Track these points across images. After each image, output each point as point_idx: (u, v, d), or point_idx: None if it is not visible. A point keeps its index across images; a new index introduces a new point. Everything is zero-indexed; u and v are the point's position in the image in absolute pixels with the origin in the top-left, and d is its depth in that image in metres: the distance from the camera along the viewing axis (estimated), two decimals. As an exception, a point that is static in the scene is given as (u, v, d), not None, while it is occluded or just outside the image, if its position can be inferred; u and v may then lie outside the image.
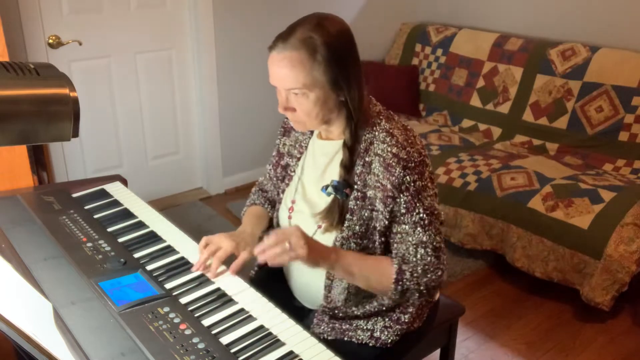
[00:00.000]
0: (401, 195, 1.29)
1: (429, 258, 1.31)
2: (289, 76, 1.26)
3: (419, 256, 1.31)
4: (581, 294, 2.45)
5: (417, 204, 1.29)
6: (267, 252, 1.21)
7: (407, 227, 1.31)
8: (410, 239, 1.31)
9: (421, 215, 1.30)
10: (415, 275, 1.30)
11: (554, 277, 2.56)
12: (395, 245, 1.34)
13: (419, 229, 1.30)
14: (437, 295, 1.59)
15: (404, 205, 1.29)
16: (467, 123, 3.59)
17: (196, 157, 3.66)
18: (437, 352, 1.75)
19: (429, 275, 1.31)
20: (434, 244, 1.31)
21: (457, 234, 2.89)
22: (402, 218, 1.31)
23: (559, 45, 3.28)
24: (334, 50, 1.26)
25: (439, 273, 1.32)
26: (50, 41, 2.88)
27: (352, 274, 1.32)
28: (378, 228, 1.34)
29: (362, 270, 1.32)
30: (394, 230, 1.33)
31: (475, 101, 3.57)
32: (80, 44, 2.95)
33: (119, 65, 3.15)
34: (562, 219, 2.52)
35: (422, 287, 1.32)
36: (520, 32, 3.60)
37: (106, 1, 3.00)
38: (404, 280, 1.30)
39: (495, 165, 2.90)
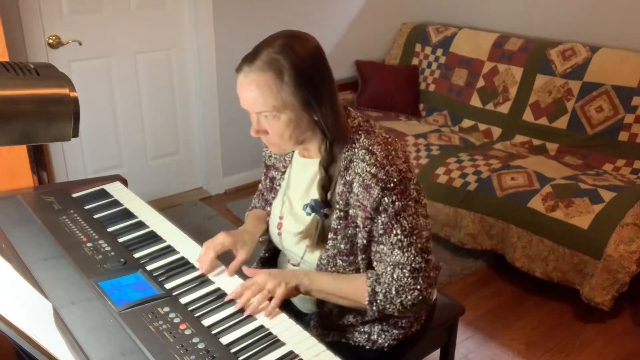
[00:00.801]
0: (379, 217, 1.27)
1: (405, 279, 1.28)
2: (257, 100, 1.23)
3: (395, 276, 1.29)
4: (581, 294, 2.45)
5: (395, 225, 1.26)
6: (250, 307, 1.24)
7: (385, 247, 1.29)
8: (387, 259, 1.29)
9: (399, 237, 1.27)
10: (389, 296, 1.29)
11: (554, 277, 2.56)
12: (375, 263, 1.33)
13: (396, 250, 1.28)
14: (434, 296, 1.59)
15: (382, 227, 1.27)
16: (467, 123, 3.59)
17: (196, 157, 3.66)
18: (437, 352, 1.75)
19: (403, 296, 1.29)
20: (413, 265, 1.28)
21: (457, 234, 2.89)
22: (380, 239, 1.29)
23: (559, 45, 3.28)
24: (302, 71, 1.22)
25: (415, 293, 1.29)
26: (50, 41, 2.88)
27: (328, 296, 1.34)
28: (358, 245, 1.33)
29: (337, 292, 1.33)
30: (373, 250, 1.32)
31: (475, 101, 3.57)
32: (80, 44, 2.95)
33: (119, 65, 3.15)
34: (562, 219, 2.52)
35: (398, 307, 1.30)
36: (520, 32, 3.60)
37: (106, 1, 3.00)
38: (378, 300, 1.30)
39: (495, 165, 2.90)
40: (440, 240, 3.00)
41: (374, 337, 1.42)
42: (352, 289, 1.33)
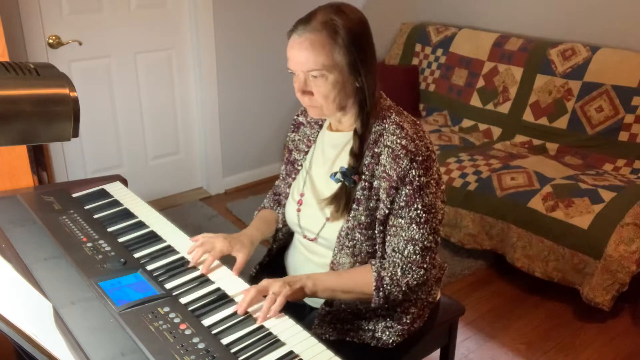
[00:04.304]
0: (403, 188, 1.30)
1: (414, 256, 1.32)
2: (309, 57, 1.28)
3: (406, 253, 1.32)
4: (581, 294, 2.45)
5: (417, 200, 1.30)
6: (260, 316, 1.21)
7: (402, 221, 1.32)
8: (403, 233, 1.32)
9: (418, 211, 1.30)
10: (395, 278, 1.31)
11: (554, 277, 2.56)
12: (388, 237, 1.35)
13: (413, 225, 1.31)
14: (438, 295, 1.59)
15: (404, 199, 1.30)
16: (467, 123, 3.59)
17: (196, 157, 3.66)
18: (437, 352, 1.75)
19: (409, 275, 1.32)
20: (425, 242, 1.32)
21: (457, 234, 2.89)
22: (400, 212, 1.32)
23: (559, 45, 3.28)
24: (354, 35, 1.29)
25: (421, 272, 1.33)
26: (50, 41, 2.88)
27: (334, 293, 1.34)
28: (378, 217, 1.35)
29: (342, 287, 1.34)
30: (390, 223, 1.34)
31: (475, 101, 3.57)
32: (80, 44, 2.95)
33: (119, 65, 3.15)
34: (562, 218, 2.52)
35: (404, 288, 1.32)
36: (520, 32, 3.60)
37: (106, 1, 3.00)
38: (384, 285, 1.31)
39: (495, 165, 2.90)
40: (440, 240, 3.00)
41: (378, 334, 1.42)
42: (357, 279, 1.34)
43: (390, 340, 1.42)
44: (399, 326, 1.42)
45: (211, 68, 3.39)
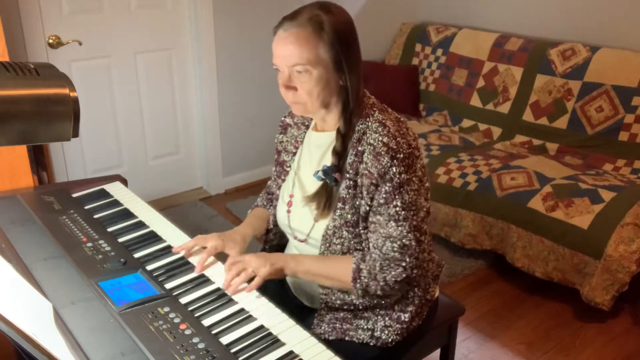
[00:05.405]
0: (383, 186, 1.30)
1: (392, 253, 1.31)
2: (293, 52, 1.28)
3: (384, 250, 1.32)
4: (581, 294, 2.45)
5: (396, 197, 1.30)
6: (231, 288, 1.30)
7: (381, 218, 1.32)
8: (381, 230, 1.32)
9: (397, 209, 1.30)
10: (373, 272, 1.32)
11: (554, 277, 2.56)
12: (369, 234, 1.36)
13: (392, 222, 1.31)
14: (437, 293, 1.59)
15: (383, 196, 1.31)
16: (467, 123, 3.59)
17: (196, 157, 3.66)
18: (437, 352, 1.75)
19: (387, 272, 1.32)
20: (403, 240, 1.31)
21: (457, 234, 2.89)
22: (379, 209, 1.32)
23: (559, 45, 3.28)
24: (339, 32, 1.29)
25: (399, 270, 1.31)
26: (50, 41, 2.88)
27: (314, 277, 1.38)
28: (361, 214, 1.35)
29: (322, 272, 1.37)
30: (370, 220, 1.35)
31: (475, 101, 3.57)
32: (80, 44, 2.95)
33: (119, 65, 3.15)
34: (562, 219, 2.52)
35: (381, 283, 1.33)
36: (520, 32, 3.60)
37: (106, 1, 3.00)
38: (362, 277, 1.33)
39: (495, 165, 2.90)
40: (440, 240, 3.00)
41: (377, 333, 1.42)
42: (338, 268, 1.37)
43: (390, 340, 1.42)
44: (397, 325, 1.43)
45: (211, 68, 3.39)
